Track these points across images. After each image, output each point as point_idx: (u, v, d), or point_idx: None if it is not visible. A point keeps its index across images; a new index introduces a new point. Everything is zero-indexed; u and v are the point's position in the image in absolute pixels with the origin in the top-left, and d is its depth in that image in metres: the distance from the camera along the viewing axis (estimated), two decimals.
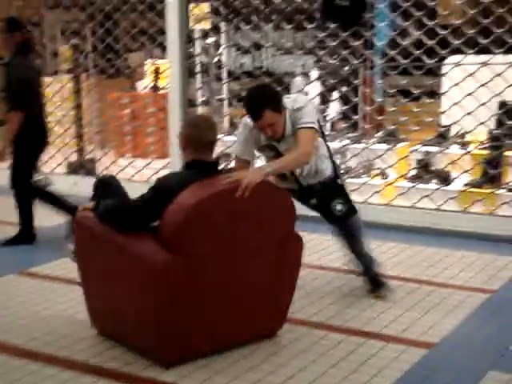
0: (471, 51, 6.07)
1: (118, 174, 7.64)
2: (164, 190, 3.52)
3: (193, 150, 3.62)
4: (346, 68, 7.03)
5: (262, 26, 6.95)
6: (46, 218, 6.21)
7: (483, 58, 6.02)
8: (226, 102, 8.54)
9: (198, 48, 7.80)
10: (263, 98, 3.97)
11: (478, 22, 6.11)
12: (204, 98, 8.01)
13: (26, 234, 5.86)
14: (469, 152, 6.63)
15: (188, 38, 7.11)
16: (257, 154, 4.31)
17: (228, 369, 3.57)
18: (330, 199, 4.30)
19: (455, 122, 6.33)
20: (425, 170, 6.77)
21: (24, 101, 5.60)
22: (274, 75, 7.02)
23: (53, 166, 8.10)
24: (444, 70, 6.51)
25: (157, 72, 9.56)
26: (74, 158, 8.37)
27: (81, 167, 8.22)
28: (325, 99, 7.49)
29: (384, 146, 6.78)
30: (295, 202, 3.95)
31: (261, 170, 3.69)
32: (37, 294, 4.70)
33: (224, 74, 8.14)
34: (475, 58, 6.06)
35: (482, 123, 6.08)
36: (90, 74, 9.15)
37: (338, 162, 4.53)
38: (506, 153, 6.56)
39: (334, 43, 6.59)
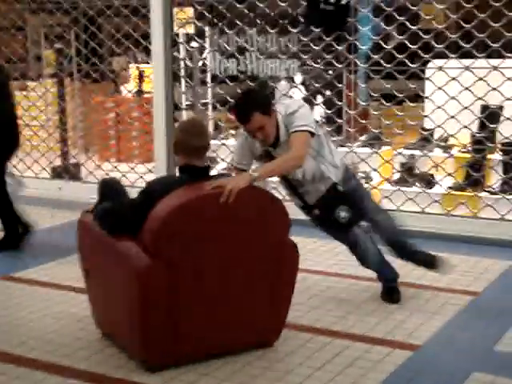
0: (454, 55, 6.12)
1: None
2: (151, 194, 3.56)
3: (184, 155, 3.65)
4: (330, 72, 7.06)
5: (247, 30, 6.95)
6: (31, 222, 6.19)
7: (466, 62, 6.07)
8: (210, 106, 8.55)
9: (182, 52, 7.80)
10: (250, 101, 3.97)
11: (460, 26, 6.16)
12: (188, 102, 8.01)
13: (11, 239, 5.82)
14: (452, 155, 6.68)
15: (173, 42, 7.11)
16: (256, 163, 4.27)
17: (216, 372, 3.59)
18: (332, 207, 4.19)
19: (438, 126, 6.37)
20: (408, 174, 6.82)
21: None
22: (259, 79, 7.03)
23: (37, 171, 8.07)
24: (427, 73, 6.55)
25: (141, 76, 9.57)
26: (58, 162, 8.35)
27: (65, 171, 8.20)
28: (309, 103, 7.52)
29: (368, 150, 6.81)
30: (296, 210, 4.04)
31: (246, 176, 3.67)
32: (22, 298, 4.69)
33: (208, 78, 8.15)
34: (458, 63, 6.11)
35: (465, 127, 6.12)
36: (74, 78, 9.13)
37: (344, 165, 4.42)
38: (489, 156, 6.62)
39: (318, 47, 6.62)
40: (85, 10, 7.98)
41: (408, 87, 6.53)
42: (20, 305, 4.57)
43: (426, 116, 6.71)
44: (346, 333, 4.06)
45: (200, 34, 7.73)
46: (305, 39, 6.73)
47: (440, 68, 6.23)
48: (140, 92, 9.53)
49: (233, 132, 8.44)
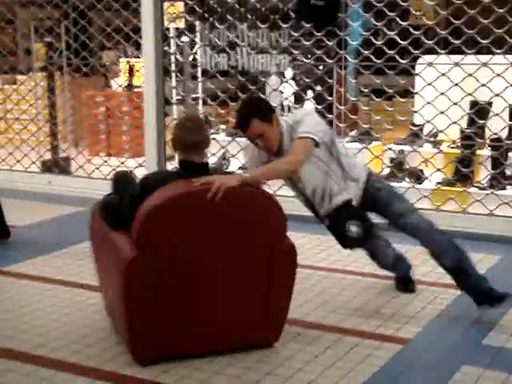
0: (444, 51, 6.15)
1: (93, 173, 7.66)
2: (145, 187, 3.59)
3: (182, 150, 3.67)
4: (321, 67, 7.08)
5: (238, 25, 6.96)
6: (17, 217, 6.20)
7: (455, 58, 6.10)
8: (200, 101, 8.55)
9: (173, 47, 7.80)
10: (249, 108, 3.95)
11: (450, 22, 6.19)
12: (179, 97, 8.00)
13: None
14: (441, 151, 6.72)
15: (163, 37, 7.11)
16: None
17: (207, 365, 3.61)
18: (343, 221, 4.07)
19: (428, 121, 6.40)
20: (398, 169, 6.85)
21: None
22: (249, 74, 7.05)
23: (27, 165, 8.06)
24: (417, 69, 6.58)
25: (131, 70, 9.55)
26: (48, 156, 8.33)
27: (55, 165, 8.19)
28: (299, 98, 7.54)
29: (358, 145, 6.84)
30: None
31: (237, 176, 3.66)
32: (13, 292, 4.69)
33: (199, 73, 8.16)
34: (448, 58, 6.14)
35: (455, 122, 6.16)
36: (64, 72, 9.11)
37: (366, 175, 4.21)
38: (478, 151, 6.66)
39: (309, 43, 6.64)
40: (75, 4, 7.96)
41: (398, 83, 6.57)
42: (12, 299, 4.57)
43: (415, 111, 6.75)
44: (336, 327, 4.09)
45: (191, 28, 7.74)
46: (295, 34, 6.76)
47: (430, 64, 6.26)
48: (130, 86, 9.51)
49: (223, 127, 8.45)
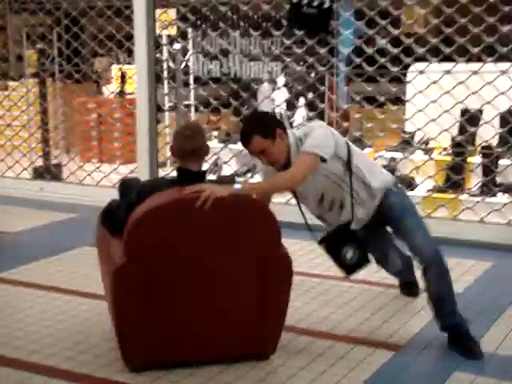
0: (435, 59, 6.20)
1: (85, 179, 7.66)
2: (140, 194, 3.61)
3: (179, 158, 3.68)
4: (313, 75, 7.11)
5: (230, 32, 6.99)
6: (9, 224, 6.19)
7: (446, 66, 6.15)
8: (193, 108, 8.58)
9: (165, 54, 7.82)
10: (250, 124, 3.87)
11: (441, 31, 6.24)
12: (171, 104, 8.02)
13: None
14: (432, 158, 6.75)
15: (156, 44, 7.13)
16: None
17: (199, 371, 3.61)
18: (339, 245, 3.97)
19: (419, 129, 6.44)
20: None
21: None
22: (241, 81, 7.07)
23: (18, 171, 8.05)
24: (408, 77, 6.62)
25: (123, 77, 9.56)
26: (39, 162, 8.33)
27: (46, 172, 8.18)
28: (291, 105, 7.57)
29: None
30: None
31: (230, 187, 3.60)
32: (9, 297, 4.69)
33: (191, 80, 8.18)
34: (439, 66, 6.18)
35: (446, 130, 6.20)
36: (56, 78, 9.11)
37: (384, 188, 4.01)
38: (469, 159, 6.70)
39: (301, 50, 6.67)
40: (67, 11, 7.97)
41: (389, 90, 6.60)
42: (4, 305, 4.56)
43: (407, 119, 6.79)
44: (328, 333, 4.11)
45: (183, 35, 7.76)
46: (288, 42, 6.79)
47: (421, 71, 6.30)
48: (122, 93, 9.52)
49: (215, 133, 8.47)
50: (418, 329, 4.15)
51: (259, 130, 3.74)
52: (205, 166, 5.26)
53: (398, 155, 6.97)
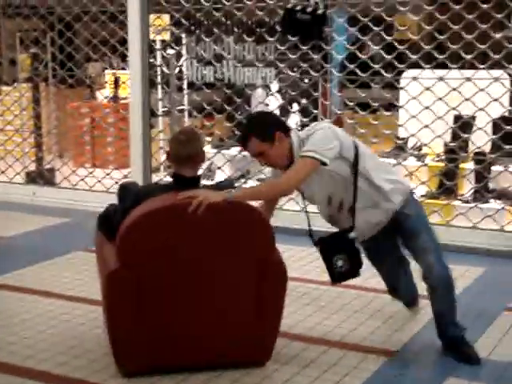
0: (428, 66, 6.23)
1: (78, 184, 7.64)
2: (135, 200, 3.62)
3: (174, 163, 3.69)
4: (306, 80, 7.13)
5: (224, 38, 7.01)
6: (2, 228, 6.17)
7: (439, 72, 6.17)
8: (186, 113, 8.58)
9: (159, 59, 7.83)
10: (248, 126, 3.79)
11: (434, 37, 6.27)
12: (165, 109, 8.03)
13: None
14: (425, 164, 6.77)
15: (150, 49, 7.14)
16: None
17: (193, 377, 3.61)
18: (332, 253, 3.87)
19: (412, 135, 6.46)
20: None
21: None
22: (235, 87, 7.08)
23: (11, 176, 8.03)
24: (402, 83, 6.65)
25: (117, 82, 9.56)
26: (32, 167, 8.31)
27: (39, 177, 8.17)
28: (285, 111, 7.58)
29: None
30: None
31: (222, 193, 3.54)
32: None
33: (185, 85, 8.19)
34: (432, 73, 6.21)
35: (439, 136, 6.22)
36: (49, 83, 9.10)
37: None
38: (462, 165, 6.72)
39: (295, 56, 6.69)
40: (61, 16, 7.97)
41: (383, 96, 6.62)
42: None
43: (400, 125, 6.81)
44: (322, 339, 4.11)
45: (177, 40, 7.77)
46: (281, 48, 6.81)
47: (414, 78, 6.33)
48: (116, 98, 9.52)
49: (208, 139, 8.48)
50: (411, 335, 4.16)
51: (258, 132, 3.65)
52: (199, 171, 5.23)
53: (392, 161, 6.99)
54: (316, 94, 7.02)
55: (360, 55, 6.44)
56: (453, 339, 3.88)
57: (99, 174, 7.63)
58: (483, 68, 6.02)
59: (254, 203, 3.72)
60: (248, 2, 6.68)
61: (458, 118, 6.53)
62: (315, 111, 6.96)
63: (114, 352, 3.60)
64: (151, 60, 7.27)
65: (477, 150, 6.49)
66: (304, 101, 7.08)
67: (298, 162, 3.61)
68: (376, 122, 6.81)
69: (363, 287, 4.87)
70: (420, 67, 6.26)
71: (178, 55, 7.82)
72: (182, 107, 8.38)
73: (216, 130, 8.18)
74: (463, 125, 6.48)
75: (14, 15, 8.39)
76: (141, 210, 3.49)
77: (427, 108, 6.15)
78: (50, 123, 8.92)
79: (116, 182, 7.22)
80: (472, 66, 6.09)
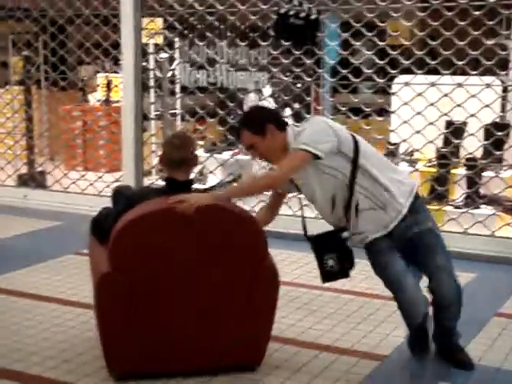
0: (420, 72, 6.25)
1: (70, 187, 7.63)
2: (128, 204, 3.62)
3: (166, 167, 3.70)
4: (299, 85, 7.15)
5: (217, 42, 7.02)
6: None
7: (431, 78, 6.20)
8: (179, 117, 8.58)
9: (151, 62, 7.83)
10: (244, 118, 3.85)
11: (426, 43, 6.30)
12: (157, 112, 8.02)
13: None
14: (417, 169, 6.79)
15: (142, 53, 7.14)
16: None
17: (185, 381, 3.61)
18: (324, 251, 3.76)
19: (404, 140, 6.49)
20: None
21: None
22: (228, 91, 7.09)
23: (3, 178, 8.02)
24: (394, 89, 6.67)
25: (109, 85, 9.56)
26: (24, 170, 8.29)
27: (31, 179, 8.15)
28: None
29: None
30: None
31: (211, 194, 3.56)
32: None
33: (178, 89, 8.19)
34: (424, 79, 6.23)
35: (430, 141, 6.25)
36: (42, 85, 9.09)
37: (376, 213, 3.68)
38: (453, 170, 6.75)
39: (287, 61, 6.71)
40: (54, 19, 7.96)
41: (375, 101, 6.64)
42: None
43: (392, 130, 6.83)
44: (313, 343, 4.11)
45: (170, 44, 7.78)
46: (274, 52, 6.83)
47: (406, 83, 6.35)
48: (108, 101, 9.51)
49: (201, 143, 8.48)
50: (403, 339, 4.16)
51: (250, 125, 3.64)
52: (191, 175, 5.23)
53: None
54: (308, 98, 7.04)
55: (352, 60, 6.46)
56: (449, 346, 3.88)
57: (91, 177, 7.62)
58: (475, 74, 6.05)
59: (249, 208, 3.72)
60: (241, 7, 6.70)
61: (449, 124, 6.56)
62: (308, 116, 6.97)
63: (106, 356, 3.60)
64: (144, 63, 7.27)
65: (468, 156, 6.51)
66: (296, 105, 7.10)
67: (289, 156, 3.54)
68: (368, 127, 6.82)
69: (355, 292, 4.88)
70: (412, 73, 6.29)
71: (171, 59, 7.82)
72: (174, 111, 8.37)
73: (208, 134, 8.18)
74: (455, 130, 6.51)
75: (6, 18, 8.37)
76: (132, 213, 3.50)
77: (419, 113, 6.17)
78: (41, 126, 8.92)
79: (108, 186, 7.24)
80: (464, 72, 6.12)
